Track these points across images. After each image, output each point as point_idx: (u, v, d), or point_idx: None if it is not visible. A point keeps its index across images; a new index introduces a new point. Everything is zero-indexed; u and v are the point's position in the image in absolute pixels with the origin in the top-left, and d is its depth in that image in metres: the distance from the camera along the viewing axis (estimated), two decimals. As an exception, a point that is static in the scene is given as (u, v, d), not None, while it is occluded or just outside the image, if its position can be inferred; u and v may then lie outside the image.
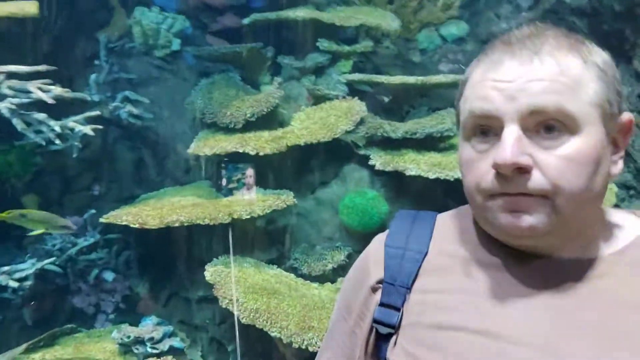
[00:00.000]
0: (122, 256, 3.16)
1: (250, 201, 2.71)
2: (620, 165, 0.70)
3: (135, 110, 2.83)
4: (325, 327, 2.29)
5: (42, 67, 2.21)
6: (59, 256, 2.89)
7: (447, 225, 0.81)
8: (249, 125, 2.89)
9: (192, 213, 2.51)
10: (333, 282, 2.76)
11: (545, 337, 0.62)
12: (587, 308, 0.64)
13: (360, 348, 0.80)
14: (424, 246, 0.78)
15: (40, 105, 2.30)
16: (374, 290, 0.80)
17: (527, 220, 0.65)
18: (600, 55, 0.70)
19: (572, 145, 0.65)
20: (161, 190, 3.18)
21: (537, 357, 0.61)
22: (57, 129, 2.31)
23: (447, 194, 2.83)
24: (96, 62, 2.96)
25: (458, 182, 2.77)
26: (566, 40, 0.69)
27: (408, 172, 2.54)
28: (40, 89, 2.18)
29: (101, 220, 2.71)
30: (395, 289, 0.76)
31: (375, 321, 0.76)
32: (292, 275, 2.70)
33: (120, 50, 3.01)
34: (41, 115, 2.32)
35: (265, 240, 2.98)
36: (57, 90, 2.22)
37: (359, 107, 2.78)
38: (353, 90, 3.05)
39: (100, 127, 2.44)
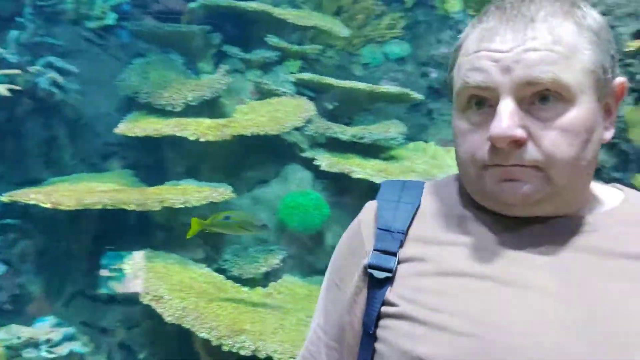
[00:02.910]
0: (17, 246, 2.73)
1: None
2: (612, 130, 0.71)
3: (60, 79, 2.50)
4: (259, 330, 2.11)
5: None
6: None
7: (435, 191, 0.80)
8: (188, 111, 2.67)
9: (117, 197, 2.23)
10: (265, 286, 2.58)
11: (550, 282, 0.64)
12: (578, 258, 0.66)
13: (359, 313, 0.76)
14: (416, 200, 0.77)
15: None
16: (367, 254, 0.77)
17: (522, 189, 0.67)
18: (595, 19, 0.69)
19: (567, 116, 0.65)
20: (74, 176, 2.82)
21: (547, 300, 0.63)
22: (-38, 81, 1.95)
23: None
24: (18, 19, 2.60)
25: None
26: (560, 4, 0.68)
27: (355, 175, 2.47)
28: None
29: (1, 198, 2.33)
30: (391, 234, 0.74)
31: (370, 266, 0.73)
32: (222, 277, 2.48)
33: (50, 12, 2.68)
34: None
35: (191, 238, 2.74)
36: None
37: (308, 105, 2.70)
38: (298, 94, 2.97)
39: (18, 87, 2.10)
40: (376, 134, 2.66)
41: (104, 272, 2.52)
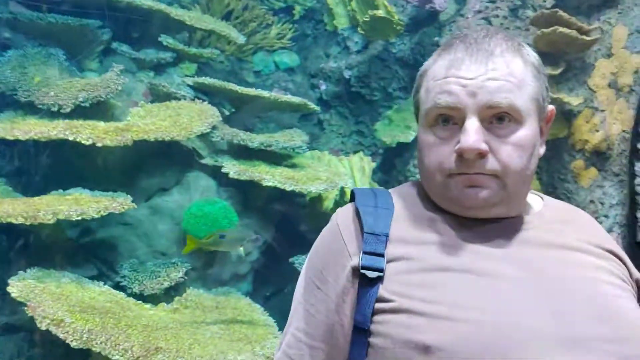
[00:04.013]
0: None
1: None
2: (544, 147, 0.87)
3: None
4: (175, 347, 1.99)
5: None
6: None
7: (400, 197, 0.89)
8: (74, 113, 2.40)
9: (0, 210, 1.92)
10: (168, 302, 2.42)
11: (512, 271, 0.77)
12: (527, 250, 0.81)
13: (349, 312, 0.81)
14: (391, 205, 0.86)
15: None
16: (352, 256, 0.82)
17: (483, 193, 0.79)
18: (535, 57, 0.85)
19: (518, 134, 0.80)
20: None
21: (514, 286, 0.75)
22: None
23: (290, 207, 2.84)
24: None
25: (297, 196, 2.83)
26: (511, 43, 0.83)
27: (265, 183, 2.46)
28: None
29: None
30: (376, 237, 0.81)
31: (363, 267, 0.79)
32: (123, 294, 2.27)
33: None
34: None
35: (79, 254, 2.46)
36: None
37: (212, 111, 2.61)
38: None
39: None
40: (282, 142, 2.68)
41: None
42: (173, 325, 2.18)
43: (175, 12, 2.80)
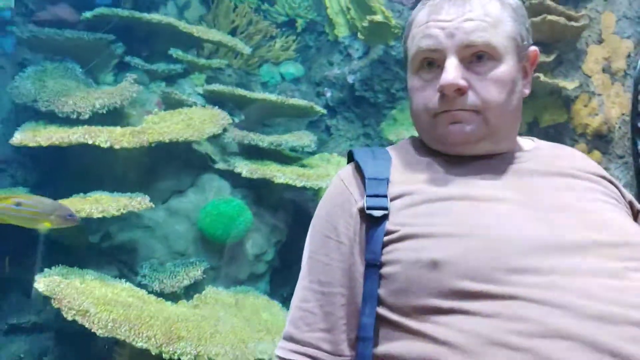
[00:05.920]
0: None
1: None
2: (529, 88, 0.92)
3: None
4: (196, 336, 2.05)
5: None
6: None
7: (396, 151, 0.95)
8: (92, 121, 2.51)
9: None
10: (188, 300, 2.48)
11: (510, 195, 0.82)
12: (521, 178, 0.86)
13: (361, 253, 0.85)
14: (388, 157, 0.92)
15: None
16: (357, 201, 0.87)
17: (466, 129, 0.85)
18: (515, 1, 0.90)
19: (496, 71, 0.85)
20: (-50, 196, 2.45)
21: (513, 207, 0.81)
22: None
23: (303, 206, 2.90)
24: None
25: (309, 195, 2.90)
26: None
27: (277, 180, 2.54)
28: None
29: None
30: (378, 181, 0.86)
31: (368, 208, 0.84)
32: (144, 291, 2.34)
33: None
34: None
35: (101, 257, 2.54)
36: None
37: (222, 114, 2.72)
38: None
39: None
40: (292, 141, 2.77)
41: None
42: (194, 318, 2.23)
43: (184, 25, 2.94)
